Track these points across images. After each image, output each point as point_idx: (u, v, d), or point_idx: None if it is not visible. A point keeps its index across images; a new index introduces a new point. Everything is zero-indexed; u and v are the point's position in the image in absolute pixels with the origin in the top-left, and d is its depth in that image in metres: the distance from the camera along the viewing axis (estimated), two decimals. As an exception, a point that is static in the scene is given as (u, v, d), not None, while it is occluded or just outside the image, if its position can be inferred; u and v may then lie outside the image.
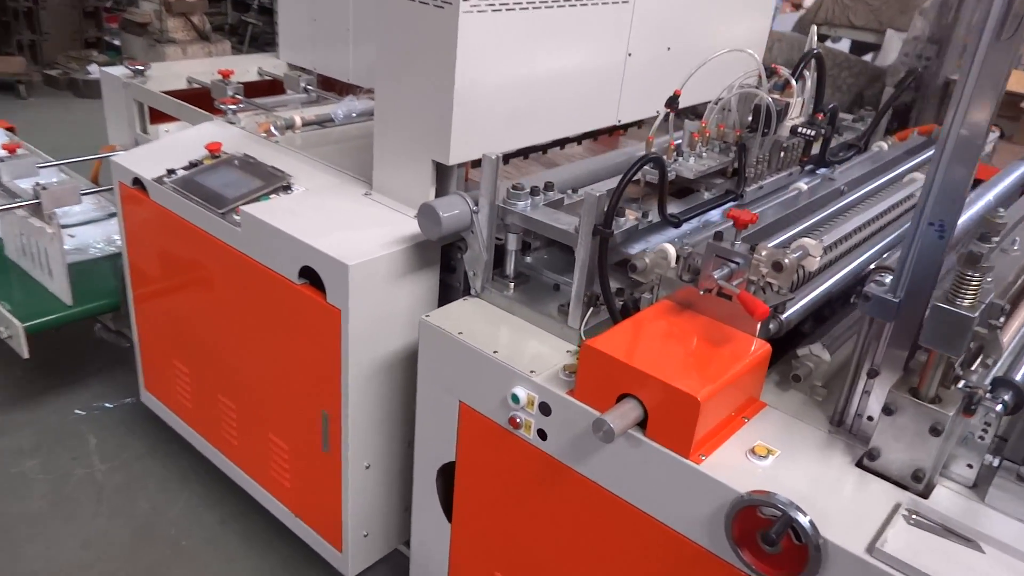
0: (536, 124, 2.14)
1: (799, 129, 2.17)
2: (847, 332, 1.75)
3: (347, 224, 1.98)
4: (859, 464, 1.43)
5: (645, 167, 1.80)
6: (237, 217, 2.07)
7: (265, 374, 2.17)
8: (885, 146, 2.61)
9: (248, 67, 3.37)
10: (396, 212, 2.05)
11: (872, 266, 1.47)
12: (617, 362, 1.45)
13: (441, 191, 2.03)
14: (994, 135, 2.63)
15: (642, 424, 1.44)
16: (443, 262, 2.01)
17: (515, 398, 1.62)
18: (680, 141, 2.11)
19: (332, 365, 1.92)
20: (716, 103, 2.22)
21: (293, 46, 3.19)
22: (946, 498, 1.37)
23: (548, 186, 1.88)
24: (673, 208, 1.93)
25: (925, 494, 1.37)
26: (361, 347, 1.89)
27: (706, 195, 2.09)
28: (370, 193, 2.15)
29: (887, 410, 1.37)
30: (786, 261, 1.49)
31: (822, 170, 2.32)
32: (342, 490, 2.07)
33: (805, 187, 2.16)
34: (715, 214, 2.07)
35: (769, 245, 1.54)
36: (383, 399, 2.02)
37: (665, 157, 2.12)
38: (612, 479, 1.53)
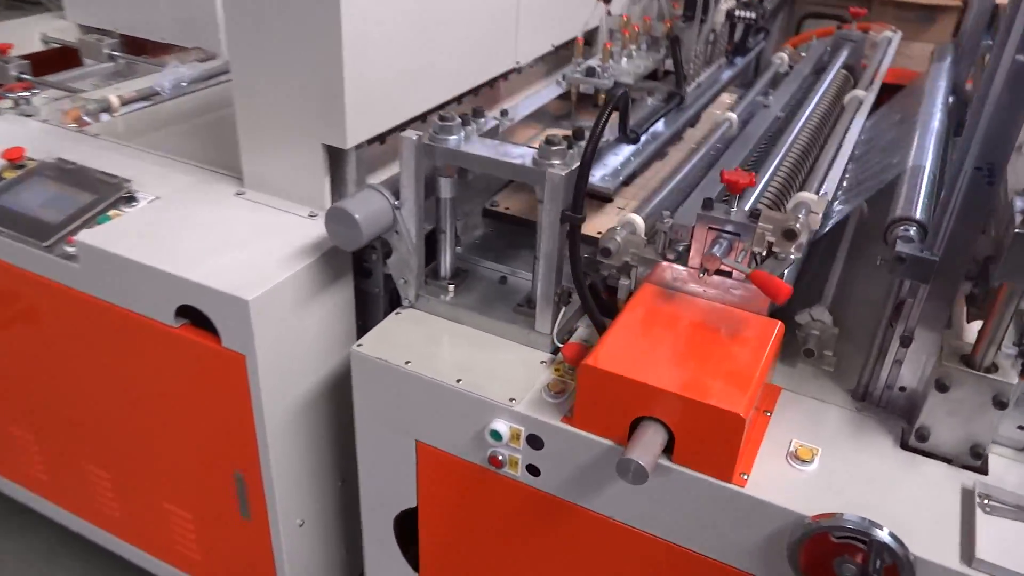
0: (435, 81, 1.76)
1: (736, 13, 1.93)
2: (828, 285, 1.57)
3: (226, 240, 1.54)
4: (905, 445, 1.27)
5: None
6: (71, 249, 1.58)
7: (150, 437, 1.73)
8: (785, 57, 2.45)
9: (25, 34, 2.68)
10: (285, 214, 1.63)
11: (895, 217, 1.27)
12: (630, 382, 1.18)
13: (338, 180, 1.63)
14: (896, 35, 2.52)
15: (666, 446, 1.20)
16: (355, 265, 1.63)
17: (495, 434, 1.32)
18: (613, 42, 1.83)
19: (240, 419, 1.52)
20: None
21: (82, 1, 2.56)
22: (1004, 468, 1.23)
23: (477, 112, 1.51)
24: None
25: (984, 469, 1.23)
26: (275, 393, 1.51)
27: (649, 101, 1.83)
28: (243, 192, 1.71)
29: (941, 387, 1.20)
30: (797, 226, 1.26)
31: (737, 63, 2.11)
32: (274, 555, 1.71)
33: (735, 117, 1.95)
34: (660, 125, 1.82)
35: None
36: (310, 444, 1.65)
37: (600, 62, 1.83)
38: (633, 513, 1.29)
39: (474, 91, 1.94)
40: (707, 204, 1.32)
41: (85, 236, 1.55)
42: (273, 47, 1.52)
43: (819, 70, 2.33)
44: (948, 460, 1.24)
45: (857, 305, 1.58)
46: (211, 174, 1.79)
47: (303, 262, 1.48)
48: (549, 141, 1.33)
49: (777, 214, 1.28)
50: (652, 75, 1.90)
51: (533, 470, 1.34)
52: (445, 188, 1.46)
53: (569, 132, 1.37)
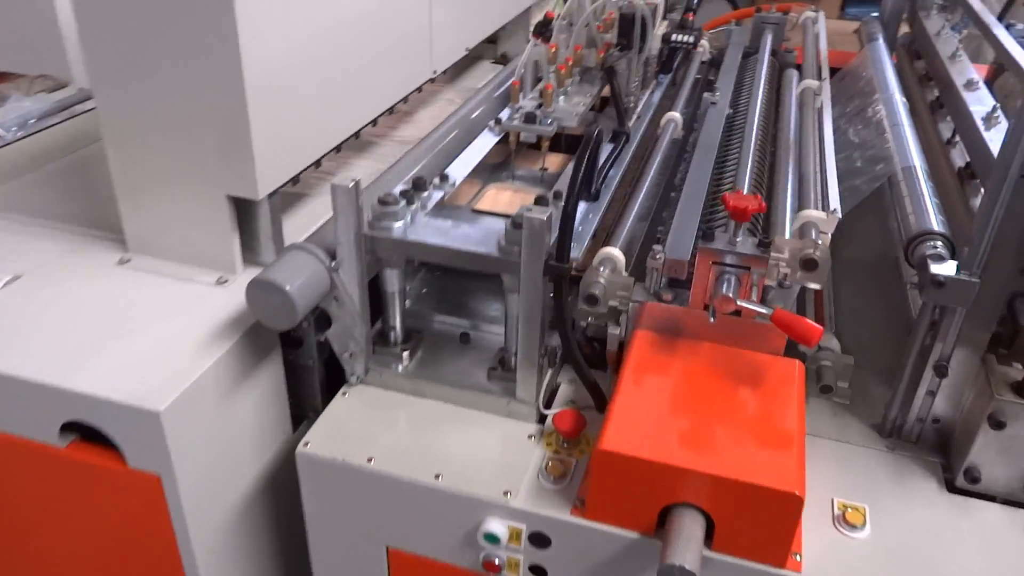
0: (351, 105, 1.50)
1: (674, 37, 1.76)
2: (826, 305, 1.43)
3: (116, 327, 1.23)
4: (952, 488, 1.13)
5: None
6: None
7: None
8: (706, 44, 2.30)
9: None
10: (187, 283, 1.33)
11: (916, 232, 1.12)
12: (657, 466, 0.98)
13: (248, 236, 1.35)
14: (819, 14, 2.42)
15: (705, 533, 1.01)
16: (281, 335, 1.35)
17: (491, 537, 1.09)
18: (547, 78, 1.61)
19: (161, 546, 1.22)
20: (564, 20, 1.73)
21: None
22: (1059, 500, 1.12)
23: (418, 184, 1.28)
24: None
25: (1042, 505, 1.11)
26: (201, 512, 1.21)
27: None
28: (128, 258, 1.39)
29: (996, 424, 1.06)
30: (818, 254, 1.09)
31: (662, 80, 1.95)
32: None
33: (679, 117, 1.77)
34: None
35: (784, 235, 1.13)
36: (250, 561, 1.36)
37: (537, 104, 1.61)
38: (663, 609, 1.09)
39: (389, 109, 1.69)
40: (708, 235, 1.13)
41: (-80, 341, 1.20)
42: (151, 77, 1.21)
43: (747, 56, 2.20)
44: (998, 499, 1.11)
45: (851, 323, 1.44)
46: (83, 238, 1.45)
47: (221, 347, 1.19)
48: (516, 224, 1.11)
49: (793, 241, 1.10)
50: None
51: (539, 571, 1.12)
52: (391, 281, 1.22)
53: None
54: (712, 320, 1.13)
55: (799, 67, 2.03)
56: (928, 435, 1.19)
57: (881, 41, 2.07)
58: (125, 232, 1.39)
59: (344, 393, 1.27)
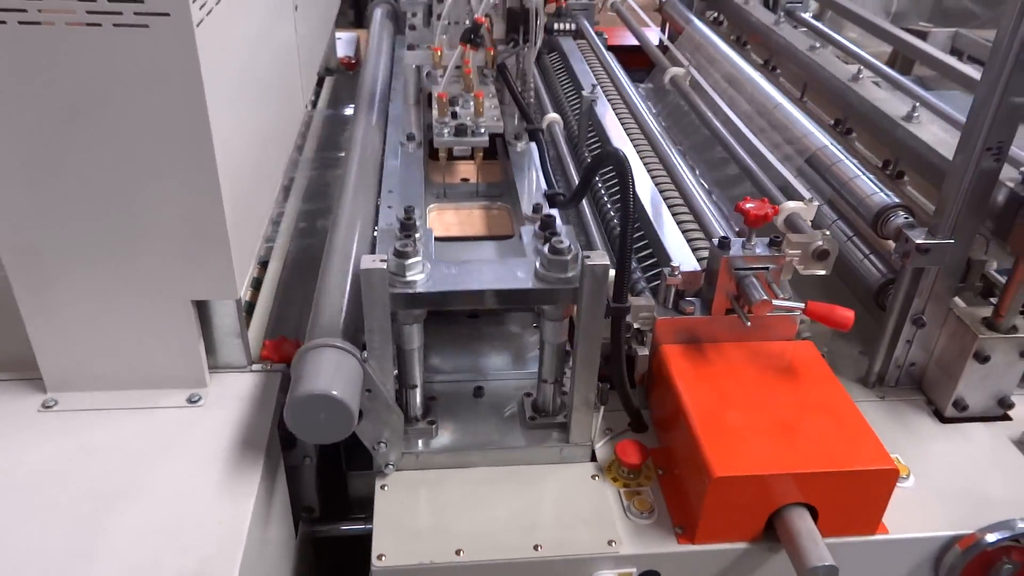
0: (274, 164, 1.32)
1: (555, 26, 1.76)
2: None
3: (105, 491, 0.99)
4: (943, 418, 1.31)
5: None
6: None
7: None
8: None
9: None
10: (154, 412, 1.11)
11: (890, 209, 1.25)
12: (771, 477, 1.02)
13: (211, 339, 1.15)
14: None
15: (802, 525, 1.07)
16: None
17: (605, 591, 1.07)
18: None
19: None
20: (445, 21, 1.66)
21: None
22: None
23: (407, 226, 1.15)
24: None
25: (1008, 416, 1.32)
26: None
27: (519, 147, 1.60)
28: (52, 400, 1.12)
29: (982, 358, 1.23)
30: (827, 245, 1.18)
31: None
32: None
33: (557, 117, 1.79)
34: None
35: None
36: None
37: (467, 114, 1.54)
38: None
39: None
40: (724, 244, 1.18)
41: None
42: (86, 182, 0.97)
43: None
44: (977, 419, 1.31)
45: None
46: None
47: (252, 481, 1.02)
48: (554, 250, 1.06)
49: (801, 237, 1.19)
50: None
51: (647, 606, 1.12)
52: (412, 338, 1.11)
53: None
54: (747, 324, 1.18)
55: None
56: (904, 378, 1.36)
57: (697, 22, 2.24)
58: (42, 369, 1.12)
59: (383, 487, 1.15)
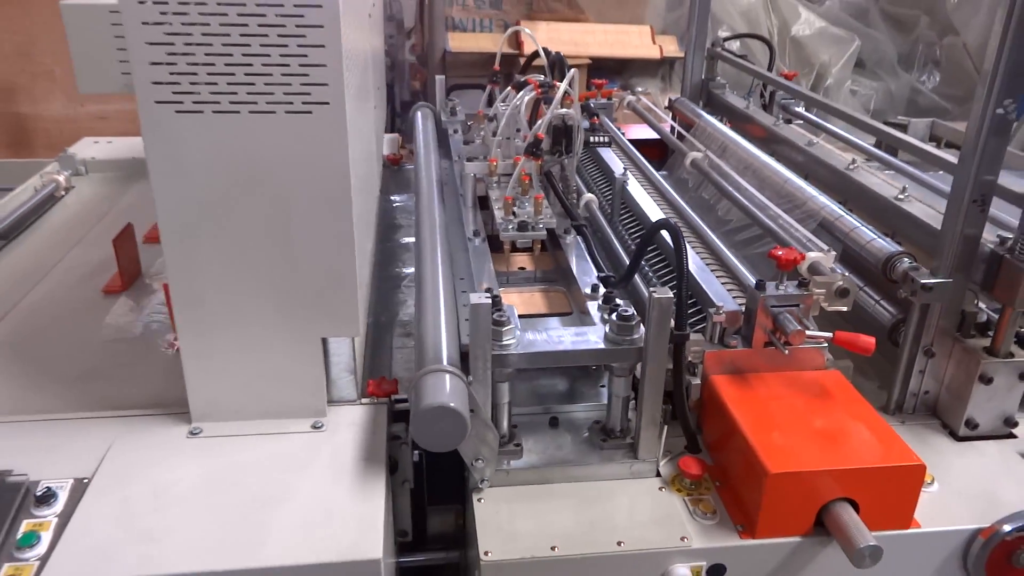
0: (369, 221, 1.56)
1: (591, 139, 2.03)
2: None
3: (255, 498, 1.17)
4: (957, 437, 1.49)
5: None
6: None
7: None
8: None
9: None
10: (285, 437, 1.29)
11: (895, 256, 1.49)
12: (820, 473, 1.21)
13: (329, 375, 1.35)
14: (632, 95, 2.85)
15: (845, 521, 1.25)
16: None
17: (667, 582, 1.23)
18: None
19: None
20: (499, 136, 1.94)
21: None
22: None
23: (496, 301, 1.38)
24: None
25: (1013, 433, 1.51)
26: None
27: (568, 240, 1.84)
28: (198, 429, 1.31)
29: (986, 380, 1.44)
30: (847, 285, 1.40)
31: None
32: None
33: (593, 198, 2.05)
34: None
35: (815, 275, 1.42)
36: None
37: (529, 213, 1.78)
38: (821, 596, 1.30)
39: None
40: (760, 286, 1.40)
41: (50, 571, 1.04)
42: (237, 233, 1.20)
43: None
44: (991, 437, 1.50)
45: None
46: (114, 423, 1.33)
47: (379, 485, 1.20)
48: (623, 316, 1.30)
49: (825, 278, 1.41)
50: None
51: (713, 600, 1.28)
52: (502, 394, 1.32)
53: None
54: (786, 352, 1.39)
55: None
56: (919, 406, 1.55)
57: (708, 116, 2.55)
58: (191, 402, 1.31)
59: (479, 499, 1.32)
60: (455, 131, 2.52)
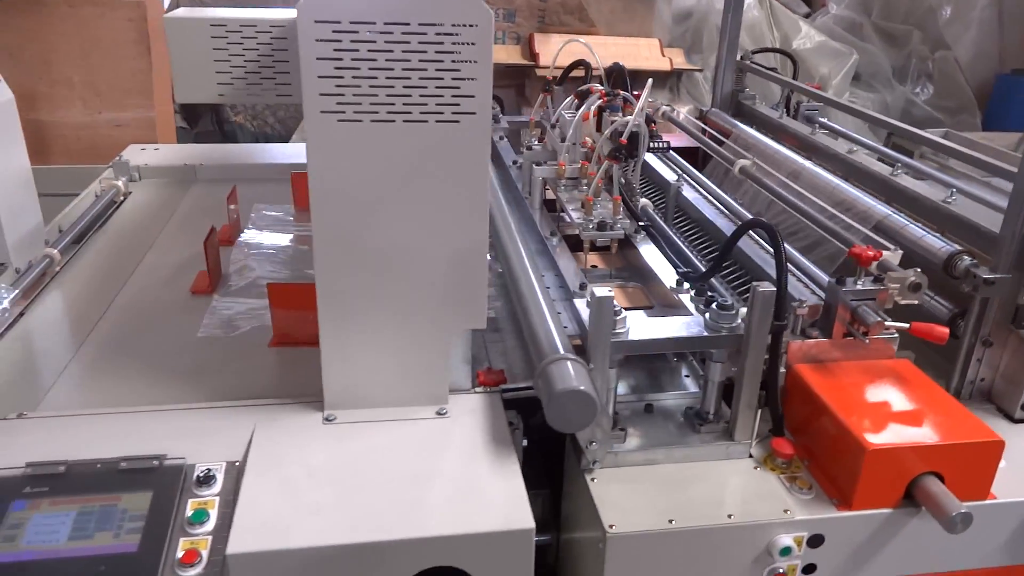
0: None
1: (651, 145, 2.14)
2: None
3: (401, 476, 1.27)
4: (1013, 420, 1.63)
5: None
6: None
7: None
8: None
9: None
10: (415, 423, 1.39)
11: (956, 255, 1.63)
12: (913, 448, 1.34)
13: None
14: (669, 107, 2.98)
15: (930, 493, 1.37)
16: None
17: (786, 551, 1.34)
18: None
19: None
20: (568, 140, 2.05)
21: None
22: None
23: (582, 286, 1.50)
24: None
25: (1063, 414, 1.65)
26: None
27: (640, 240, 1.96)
28: (332, 416, 1.40)
29: (1042, 367, 1.58)
30: (919, 280, 1.53)
31: None
32: None
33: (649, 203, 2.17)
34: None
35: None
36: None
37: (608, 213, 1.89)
38: (906, 563, 1.43)
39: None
40: (841, 281, 1.53)
41: (234, 543, 1.13)
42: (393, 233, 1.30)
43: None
44: (1041, 419, 1.64)
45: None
46: (250, 411, 1.42)
47: (513, 464, 1.30)
48: (722, 305, 1.43)
49: (898, 273, 1.54)
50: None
51: (809, 569, 1.39)
52: (612, 379, 1.43)
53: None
54: (867, 342, 1.51)
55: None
56: (975, 393, 1.69)
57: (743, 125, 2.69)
58: (325, 391, 1.40)
59: (593, 479, 1.43)
60: (500, 137, 2.64)
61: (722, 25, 2.83)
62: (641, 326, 1.44)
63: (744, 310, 1.42)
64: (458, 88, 1.21)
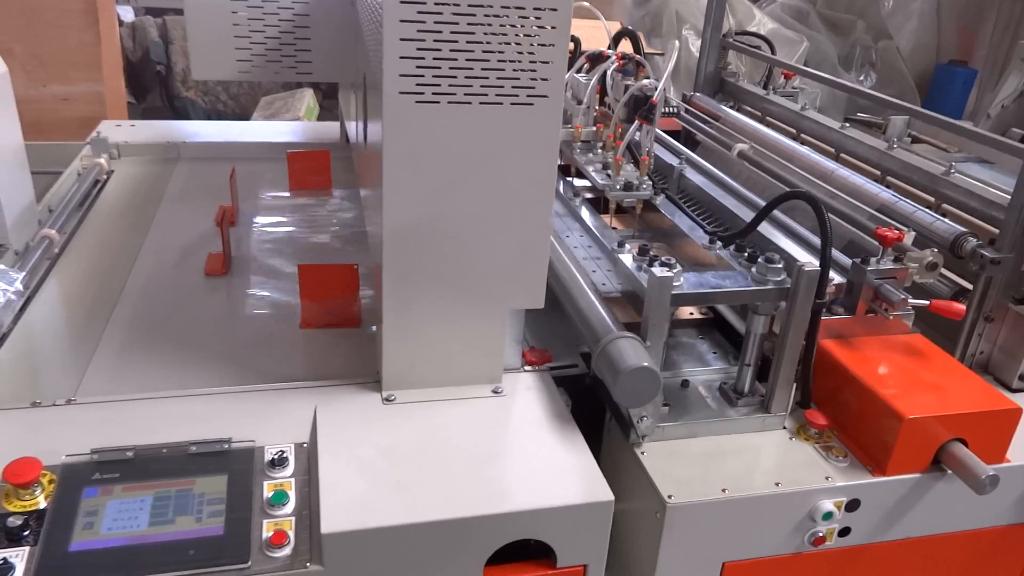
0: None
1: (664, 109, 2.19)
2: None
3: (470, 454, 1.29)
4: (1011, 390, 1.76)
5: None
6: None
7: None
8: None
9: None
10: (474, 401, 1.41)
11: (963, 236, 1.73)
12: (943, 418, 1.43)
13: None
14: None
15: (953, 458, 1.48)
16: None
17: (827, 515, 1.43)
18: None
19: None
20: (584, 105, 2.08)
21: None
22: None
23: (643, 250, 1.54)
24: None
25: (1053, 382, 1.79)
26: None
27: (659, 200, 2.01)
28: (391, 396, 1.41)
29: (1042, 338, 1.71)
30: (936, 260, 1.63)
31: None
32: None
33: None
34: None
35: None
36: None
37: (637, 175, 1.93)
38: (928, 524, 1.53)
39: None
40: (865, 260, 1.61)
41: (327, 522, 1.13)
42: (461, 220, 1.31)
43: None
44: (1036, 387, 1.77)
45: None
46: (308, 392, 1.41)
47: (578, 439, 1.34)
48: (768, 259, 1.49)
49: (917, 253, 1.63)
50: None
51: (845, 532, 1.48)
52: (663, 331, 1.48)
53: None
54: (890, 319, 1.60)
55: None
56: (975, 366, 1.81)
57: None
58: (384, 372, 1.41)
59: (643, 452, 1.48)
60: None
61: (707, 6, 2.89)
62: (694, 280, 1.48)
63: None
64: (535, 71, 1.23)
